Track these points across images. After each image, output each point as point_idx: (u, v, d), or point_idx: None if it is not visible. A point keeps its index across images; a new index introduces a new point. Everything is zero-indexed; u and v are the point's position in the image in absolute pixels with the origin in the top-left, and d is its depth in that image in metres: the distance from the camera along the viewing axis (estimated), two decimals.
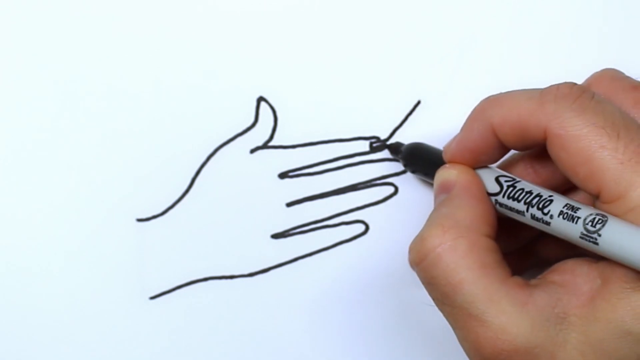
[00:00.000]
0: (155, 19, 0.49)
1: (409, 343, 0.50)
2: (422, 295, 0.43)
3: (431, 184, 0.46)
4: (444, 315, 0.41)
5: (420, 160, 0.47)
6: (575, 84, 0.40)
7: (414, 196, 0.50)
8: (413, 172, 0.49)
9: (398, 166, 0.50)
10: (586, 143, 0.38)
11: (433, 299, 0.41)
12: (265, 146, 0.49)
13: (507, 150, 0.43)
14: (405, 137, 0.49)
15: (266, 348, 0.50)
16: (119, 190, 0.49)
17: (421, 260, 0.41)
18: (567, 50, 0.49)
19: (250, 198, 0.49)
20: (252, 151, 0.49)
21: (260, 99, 0.49)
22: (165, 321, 0.49)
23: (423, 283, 0.41)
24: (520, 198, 0.41)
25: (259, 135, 0.49)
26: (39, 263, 0.49)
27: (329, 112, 0.49)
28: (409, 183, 0.50)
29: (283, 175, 0.49)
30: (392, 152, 0.49)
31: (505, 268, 0.40)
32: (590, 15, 0.48)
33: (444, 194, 0.43)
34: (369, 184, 0.50)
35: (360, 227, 0.50)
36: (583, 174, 0.38)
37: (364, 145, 0.50)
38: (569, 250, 0.43)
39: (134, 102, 0.49)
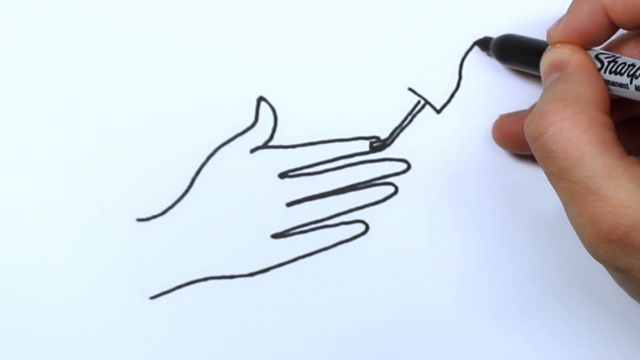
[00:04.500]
0: (155, 18, 0.49)
1: (409, 343, 0.50)
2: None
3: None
4: (559, 190, 0.40)
5: (517, 49, 0.47)
6: None
7: (414, 196, 0.50)
8: (505, 62, 0.48)
9: (398, 166, 0.50)
10: None
11: (548, 174, 0.41)
12: (265, 146, 0.49)
13: (615, 31, 0.43)
14: (405, 137, 0.49)
15: (266, 348, 0.50)
16: (119, 190, 0.49)
17: (540, 134, 0.40)
18: None
19: (250, 198, 0.49)
20: (252, 151, 0.49)
21: (260, 99, 0.49)
22: (165, 321, 0.49)
23: (540, 158, 0.41)
24: (623, 71, 0.41)
25: (259, 135, 0.49)
26: (38, 263, 0.49)
27: (329, 112, 0.49)
28: (409, 183, 0.50)
29: (283, 175, 0.49)
30: (481, 47, 0.49)
31: (621, 146, 0.40)
32: None
33: (556, 73, 0.43)
34: (369, 184, 0.50)
35: (360, 227, 0.50)
36: None
37: (364, 145, 0.50)
38: None
39: (133, 102, 0.49)
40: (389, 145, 0.50)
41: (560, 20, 0.44)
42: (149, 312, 0.49)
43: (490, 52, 0.48)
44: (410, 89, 0.49)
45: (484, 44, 0.49)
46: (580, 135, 0.40)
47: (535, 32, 0.48)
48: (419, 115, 0.49)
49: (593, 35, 0.43)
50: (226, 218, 0.49)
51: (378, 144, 0.50)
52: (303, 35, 0.49)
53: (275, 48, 0.49)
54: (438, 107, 0.50)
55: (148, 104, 0.49)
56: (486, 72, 0.49)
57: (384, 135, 0.49)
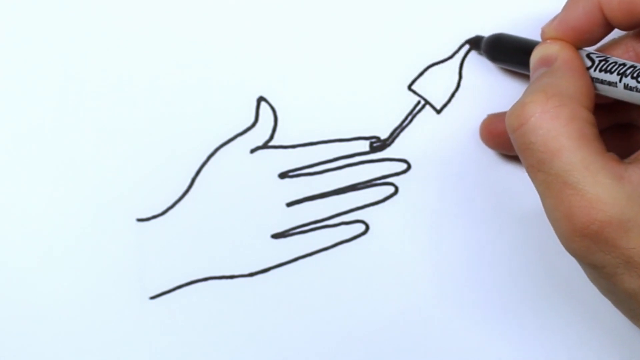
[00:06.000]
0: (155, 18, 0.49)
1: (409, 343, 0.50)
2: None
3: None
4: (536, 183, 0.40)
5: (508, 48, 0.47)
6: None
7: (414, 196, 0.50)
8: (496, 61, 0.48)
9: (398, 166, 0.50)
10: None
11: (526, 166, 0.41)
12: (265, 146, 0.49)
13: (610, 30, 0.43)
14: (405, 137, 0.49)
15: (266, 348, 0.50)
16: (119, 190, 0.49)
17: (520, 125, 0.40)
18: None
19: (250, 198, 0.49)
20: (252, 151, 0.49)
21: (260, 99, 0.49)
22: (165, 321, 0.49)
23: (518, 149, 0.41)
24: (612, 70, 0.41)
25: (259, 135, 0.49)
26: (39, 263, 0.49)
27: (328, 112, 0.49)
28: (409, 183, 0.50)
29: (283, 175, 0.49)
30: (472, 46, 0.49)
31: (601, 142, 0.40)
32: None
33: (543, 68, 0.43)
34: (369, 184, 0.50)
35: (360, 227, 0.50)
36: None
37: (364, 145, 0.50)
38: None
39: (134, 102, 0.49)
40: (389, 145, 0.50)
41: (556, 17, 0.44)
42: (149, 312, 0.49)
43: (482, 51, 0.48)
44: (410, 89, 0.49)
45: (475, 43, 0.49)
46: (560, 128, 0.40)
47: (536, 31, 0.48)
48: (419, 115, 0.49)
49: (587, 33, 0.43)
50: (226, 218, 0.49)
51: (378, 144, 0.49)
52: (303, 35, 0.49)
53: (275, 48, 0.49)
54: (438, 107, 0.50)
55: (148, 104, 0.49)
56: (486, 72, 0.49)
57: (384, 135, 0.49)
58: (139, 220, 0.49)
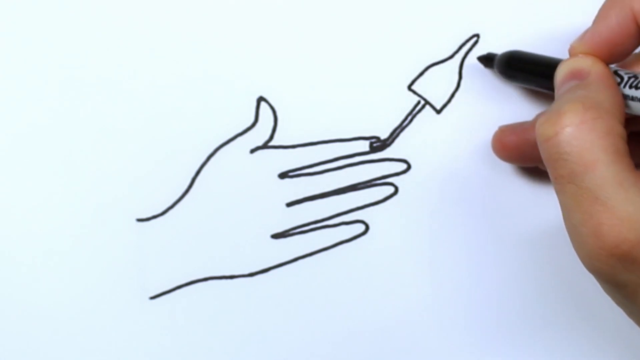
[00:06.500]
0: (155, 18, 0.49)
1: (409, 343, 0.50)
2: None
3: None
4: (565, 195, 0.39)
5: (525, 65, 0.47)
6: None
7: (414, 196, 0.50)
8: (512, 80, 0.48)
9: (398, 166, 0.50)
10: None
11: (556, 176, 0.40)
12: (265, 146, 0.49)
13: None
14: (405, 137, 0.49)
15: (266, 348, 0.50)
16: (119, 190, 0.49)
17: (555, 134, 0.39)
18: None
19: (250, 198, 0.49)
20: (252, 151, 0.49)
21: (260, 99, 0.49)
22: (165, 321, 0.49)
23: (549, 159, 0.40)
24: None
25: (259, 135, 0.49)
26: (38, 263, 0.49)
27: (329, 112, 0.49)
28: (409, 183, 0.50)
29: (283, 175, 0.49)
30: (484, 63, 0.48)
31: (631, 159, 0.39)
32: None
33: (574, 81, 0.42)
34: (369, 184, 0.50)
35: (360, 227, 0.50)
36: None
37: (364, 145, 0.50)
38: None
39: (133, 102, 0.49)
40: (389, 145, 0.50)
41: (586, 31, 0.43)
42: (149, 312, 0.49)
43: (495, 69, 0.48)
44: (410, 89, 0.49)
45: (487, 60, 0.48)
46: (596, 140, 0.39)
47: (537, 30, 0.48)
48: (419, 115, 0.49)
49: (620, 45, 0.42)
50: (226, 218, 0.49)
51: (378, 144, 0.49)
52: (303, 35, 0.49)
53: (275, 48, 0.49)
54: (438, 107, 0.50)
55: (148, 104, 0.49)
56: (486, 72, 0.49)
57: (384, 135, 0.49)
58: (139, 220, 0.49)
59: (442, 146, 0.49)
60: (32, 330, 0.49)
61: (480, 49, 0.49)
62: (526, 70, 0.46)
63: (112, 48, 0.48)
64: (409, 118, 0.49)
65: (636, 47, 0.43)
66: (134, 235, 0.49)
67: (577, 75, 0.42)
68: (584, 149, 0.39)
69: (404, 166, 0.50)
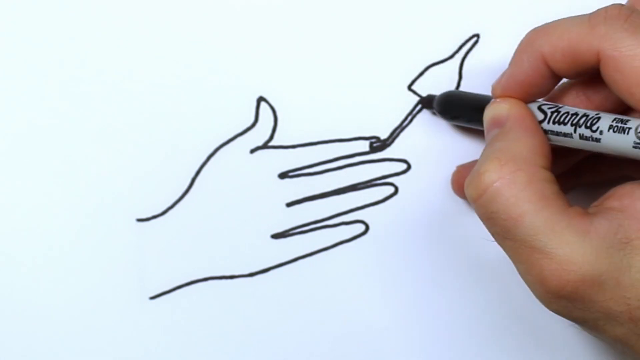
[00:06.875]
0: (155, 18, 0.49)
1: (408, 343, 0.50)
2: (479, 231, 0.42)
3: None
4: (505, 250, 0.40)
5: (460, 106, 0.47)
6: (622, 4, 0.40)
7: (414, 196, 0.50)
8: (451, 120, 0.48)
9: (398, 166, 0.50)
10: None
11: (492, 234, 0.40)
12: (265, 146, 0.49)
13: (558, 81, 0.43)
14: (405, 137, 0.49)
15: (266, 348, 0.50)
16: (119, 190, 0.49)
17: (479, 196, 0.40)
18: None
19: (250, 198, 0.49)
20: (252, 151, 0.49)
21: (260, 99, 0.49)
22: (165, 321, 0.49)
23: (482, 218, 0.41)
24: (566, 121, 0.41)
25: (259, 135, 0.49)
26: (38, 263, 0.49)
27: (329, 112, 0.49)
28: (409, 183, 0.50)
29: (283, 175, 0.49)
30: (424, 105, 0.49)
31: (563, 198, 0.40)
32: None
33: (495, 129, 0.43)
34: (369, 184, 0.50)
35: (360, 227, 0.50)
36: (639, 94, 0.38)
37: (364, 145, 0.50)
38: (614, 170, 0.43)
39: (133, 102, 0.49)
40: (389, 145, 0.50)
41: (503, 74, 0.43)
42: (149, 312, 0.49)
43: (435, 110, 0.48)
44: (410, 89, 0.49)
45: (428, 102, 0.49)
46: (518, 193, 0.39)
47: (538, 24, 0.48)
48: (419, 115, 0.49)
49: (535, 86, 0.43)
50: (226, 218, 0.49)
51: (378, 144, 0.50)
52: (303, 35, 0.49)
53: (275, 48, 0.49)
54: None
55: (148, 103, 0.49)
56: (486, 72, 0.49)
57: (384, 135, 0.49)
58: (139, 220, 0.49)
59: (442, 146, 0.49)
60: (32, 330, 0.49)
61: (480, 49, 0.49)
62: (461, 112, 0.47)
63: (112, 48, 0.48)
64: (409, 118, 0.49)
65: (553, 86, 0.43)
66: (134, 235, 0.49)
67: (497, 123, 0.43)
68: (508, 204, 0.39)
69: (404, 166, 0.50)
